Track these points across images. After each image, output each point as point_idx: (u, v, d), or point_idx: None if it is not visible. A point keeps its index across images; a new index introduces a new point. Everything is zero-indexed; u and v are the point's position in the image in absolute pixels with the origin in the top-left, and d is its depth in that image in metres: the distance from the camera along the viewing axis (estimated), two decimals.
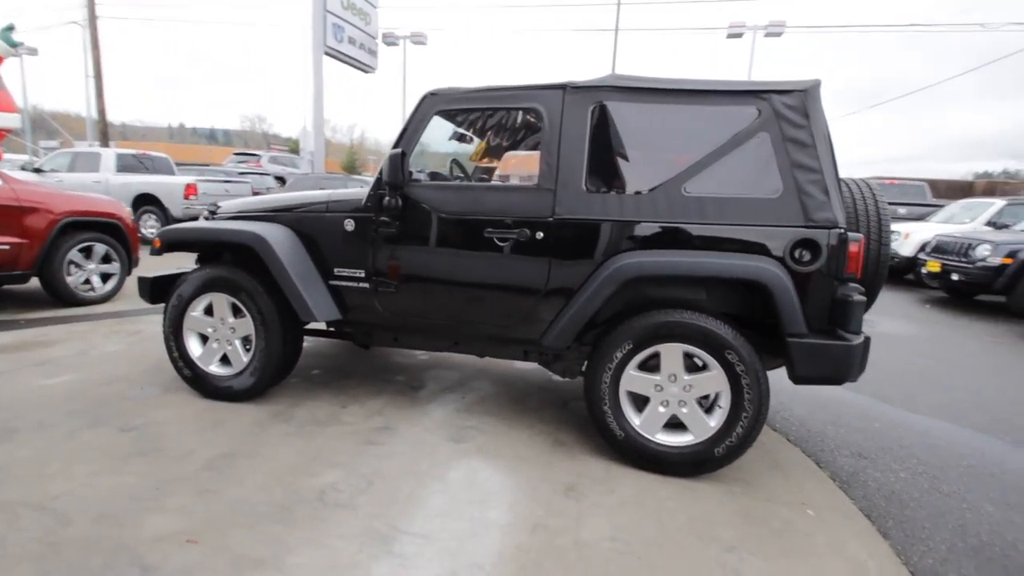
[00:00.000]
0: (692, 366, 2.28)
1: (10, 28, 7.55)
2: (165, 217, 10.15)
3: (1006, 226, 8.47)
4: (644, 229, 2.28)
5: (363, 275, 2.69)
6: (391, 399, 3.03)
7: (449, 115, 2.87)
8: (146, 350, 3.74)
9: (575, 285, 2.36)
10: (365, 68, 17.15)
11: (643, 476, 2.29)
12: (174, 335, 2.90)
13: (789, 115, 2.18)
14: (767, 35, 19.94)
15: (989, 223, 9.03)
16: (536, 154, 2.48)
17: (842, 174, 2.36)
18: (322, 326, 3.19)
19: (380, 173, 2.58)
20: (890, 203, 2.53)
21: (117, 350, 3.75)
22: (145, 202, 10.15)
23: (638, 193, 2.29)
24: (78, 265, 5.05)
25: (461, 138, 3.29)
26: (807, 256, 2.16)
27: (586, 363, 2.47)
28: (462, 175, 3.30)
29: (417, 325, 2.69)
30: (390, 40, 21.35)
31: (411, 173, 2.62)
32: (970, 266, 6.91)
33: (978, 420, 3.24)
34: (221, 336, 2.87)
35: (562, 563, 1.72)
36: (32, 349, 3.69)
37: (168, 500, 1.96)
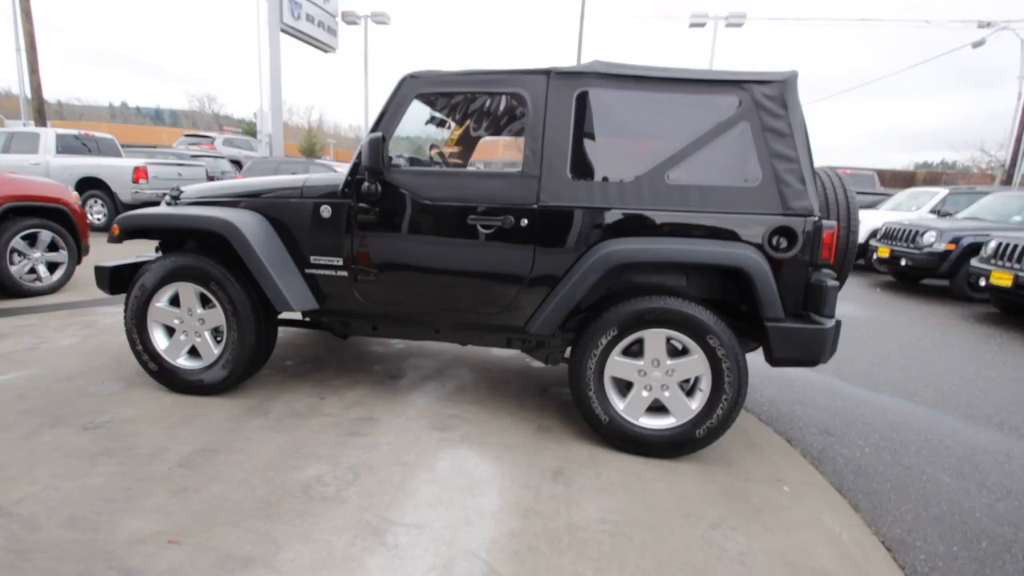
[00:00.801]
0: (674, 351, 2.33)
1: None
2: (113, 203, 9.59)
3: (949, 214, 8.98)
4: (629, 216, 2.30)
5: (341, 263, 2.62)
6: (370, 389, 2.98)
7: (429, 99, 2.80)
8: (103, 343, 3.55)
9: (560, 272, 2.37)
10: (324, 47, 16.57)
11: (628, 459, 2.34)
12: (137, 327, 2.75)
13: (768, 105, 2.23)
14: (728, 25, 20.32)
15: (933, 211, 9.56)
16: (504, 140, 2.46)
17: None
18: (298, 316, 3.10)
19: (358, 158, 2.50)
20: None
21: (71, 344, 3.54)
22: (90, 186, 9.55)
23: (623, 181, 2.31)
24: (22, 254, 4.72)
25: (440, 124, 3.22)
26: (784, 243, 2.23)
27: (570, 350, 2.49)
28: (441, 161, 3.24)
29: (398, 314, 2.65)
30: (350, 19, 20.64)
31: (391, 158, 2.56)
32: (917, 252, 7.31)
33: (930, 397, 3.45)
34: (189, 328, 2.74)
35: (556, 547, 1.74)
36: None
37: (143, 500, 1.87)
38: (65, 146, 9.75)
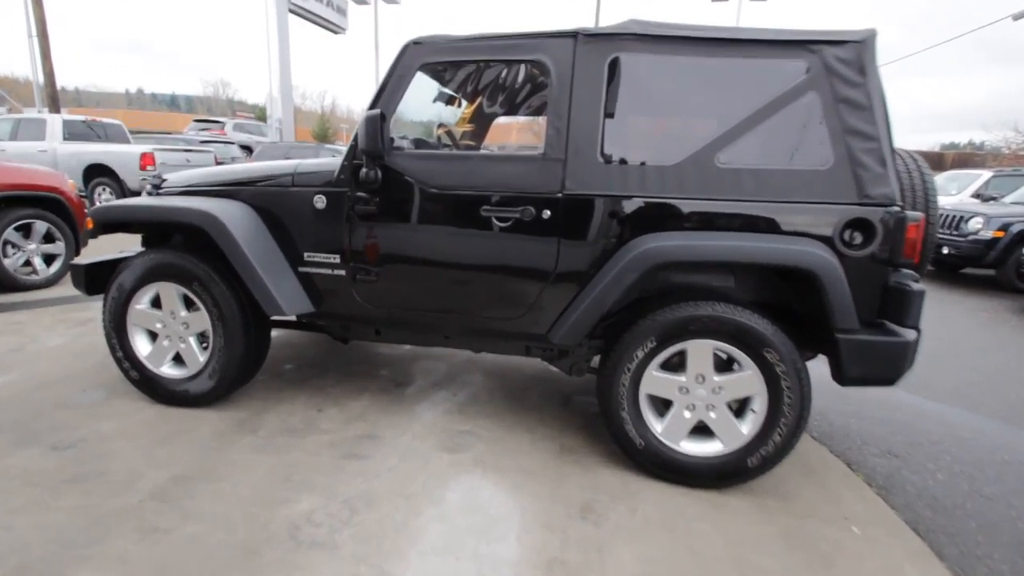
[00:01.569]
0: (722, 364, 1.99)
1: None
2: (120, 189, 9.42)
3: (993, 198, 8.39)
4: (671, 206, 1.95)
5: (338, 260, 2.31)
6: (374, 399, 2.69)
7: (435, 70, 2.45)
8: (93, 343, 3.31)
9: (588, 272, 2.03)
10: (334, 28, 16.16)
11: (666, 489, 2.02)
12: (116, 331, 2.49)
13: (843, 71, 1.85)
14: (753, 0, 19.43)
15: (976, 195, 8.96)
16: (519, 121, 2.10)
17: None
18: (291, 317, 2.81)
19: (355, 140, 2.18)
20: None
21: (59, 344, 3.31)
22: (98, 173, 9.39)
23: (664, 165, 1.95)
24: (15, 246, 4.51)
25: (449, 100, 2.87)
26: (859, 239, 1.86)
27: (599, 361, 2.16)
28: (450, 144, 2.89)
29: (402, 318, 2.34)
30: None
31: (392, 140, 2.23)
32: (961, 239, 6.81)
33: (997, 407, 3.07)
34: (172, 332, 2.47)
35: None
36: None
37: (105, 544, 1.61)
38: (72, 132, 9.57)
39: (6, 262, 4.42)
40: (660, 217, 1.96)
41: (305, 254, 2.36)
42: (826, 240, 1.86)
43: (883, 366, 1.86)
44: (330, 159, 2.41)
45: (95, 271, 2.56)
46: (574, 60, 2.00)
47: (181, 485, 1.91)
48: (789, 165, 1.89)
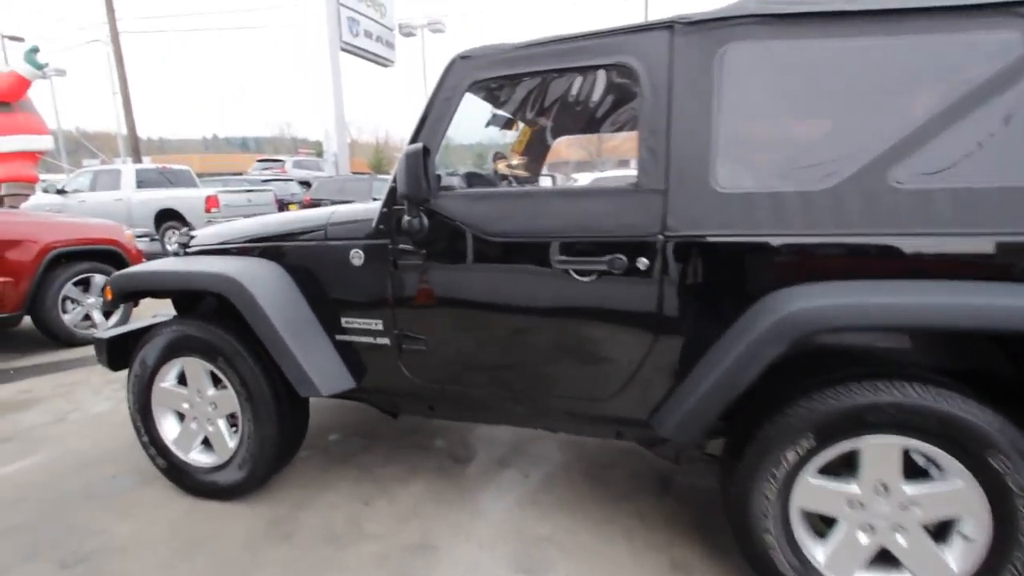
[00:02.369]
0: (913, 468, 1.39)
1: (34, 50, 7.18)
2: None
3: None
4: (826, 247, 1.39)
5: (381, 327, 1.90)
6: (429, 485, 2.24)
7: (488, 89, 2.02)
8: None
9: (707, 341, 1.50)
10: (383, 62, 16.49)
11: None
12: (141, 413, 2.19)
13: None
14: None
15: None
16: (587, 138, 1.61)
17: None
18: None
19: (394, 181, 1.77)
20: None
21: (104, 411, 3.11)
22: (168, 217, 9.77)
23: (810, 190, 1.40)
24: (75, 301, 4.48)
25: (507, 124, 2.42)
26: None
27: (727, 460, 1.60)
28: (509, 177, 2.44)
29: (459, 395, 1.89)
30: (407, 31, 20.56)
31: (439, 177, 1.80)
32: None
33: None
34: (200, 414, 2.14)
35: None
36: (3, 414, 3.08)
37: None
38: (144, 180, 10.05)
39: (65, 318, 4.38)
40: (807, 264, 1.41)
41: (343, 319, 1.96)
42: None
43: None
44: (370, 204, 2.02)
45: (118, 344, 2.28)
46: (671, 58, 1.50)
47: None
48: (999, 180, 1.29)
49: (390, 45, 16.63)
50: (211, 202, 9.68)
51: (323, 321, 2.00)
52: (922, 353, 1.53)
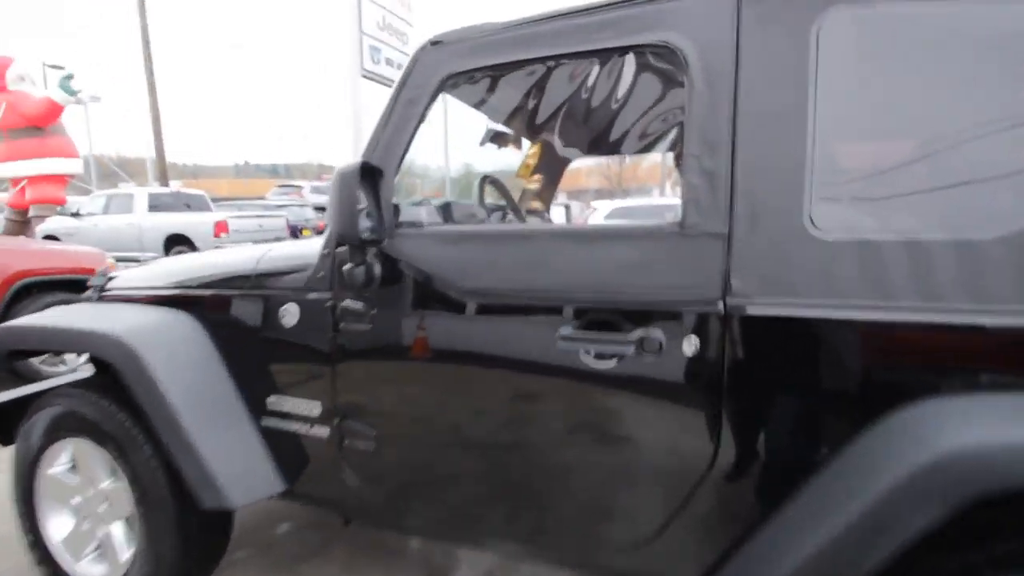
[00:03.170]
0: None
1: (69, 77, 7.16)
2: None
3: None
4: (1007, 334, 0.82)
5: (317, 412, 1.38)
6: None
7: (470, 86, 1.48)
8: None
9: (794, 477, 0.93)
10: None
11: None
12: (24, 503, 1.69)
13: None
14: None
15: None
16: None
17: None
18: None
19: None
20: None
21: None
22: (177, 242, 9.58)
23: (969, 239, 0.84)
24: None
25: (497, 138, 1.87)
26: None
27: None
28: (507, 209, 1.90)
29: (421, 513, 1.34)
30: None
31: (397, 209, 1.29)
32: None
33: None
34: (90, 512, 1.62)
35: None
36: None
37: None
38: (156, 204, 9.94)
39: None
40: (975, 360, 0.84)
41: (269, 398, 1.44)
42: None
43: None
44: (315, 243, 1.52)
45: (11, 412, 1.80)
46: (738, 36, 0.98)
47: None
48: None
49: None
50: (220, 227, 9.47)
51: (248, 400, 1.48)
52: None
